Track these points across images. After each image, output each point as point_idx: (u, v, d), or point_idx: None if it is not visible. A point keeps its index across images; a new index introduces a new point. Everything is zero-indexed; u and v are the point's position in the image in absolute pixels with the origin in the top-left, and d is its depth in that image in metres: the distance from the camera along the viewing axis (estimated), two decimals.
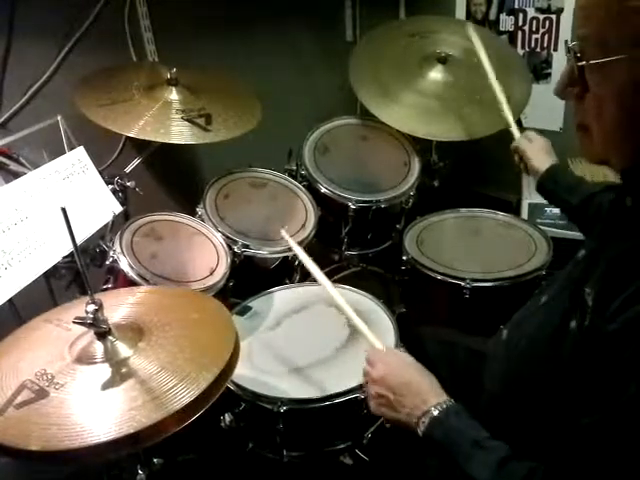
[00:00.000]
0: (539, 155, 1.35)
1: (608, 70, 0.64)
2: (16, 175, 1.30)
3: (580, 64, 0.66)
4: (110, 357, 0.88)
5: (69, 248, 1.17)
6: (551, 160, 1.33)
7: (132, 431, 0.76)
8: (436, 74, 1.79)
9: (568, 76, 0.70)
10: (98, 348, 0.89)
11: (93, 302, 0.87)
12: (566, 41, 0.68)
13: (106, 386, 0.84)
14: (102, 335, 0.89)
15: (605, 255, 0.70)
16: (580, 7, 0.67)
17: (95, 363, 0.88)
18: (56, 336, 0.95)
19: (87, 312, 0.87)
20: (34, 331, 0.98)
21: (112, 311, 0.98)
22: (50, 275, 1.28)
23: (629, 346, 0.61)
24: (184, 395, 0.81)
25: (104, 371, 0.86)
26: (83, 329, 0.91)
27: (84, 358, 0.88)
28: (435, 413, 0.82)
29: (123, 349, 0.90)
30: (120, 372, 0.86)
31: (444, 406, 0.83)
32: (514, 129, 1.47)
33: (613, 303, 0.63)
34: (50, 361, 0.89)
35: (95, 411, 0.80)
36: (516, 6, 1.98)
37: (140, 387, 0.83)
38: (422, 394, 0.86)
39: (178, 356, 0.89)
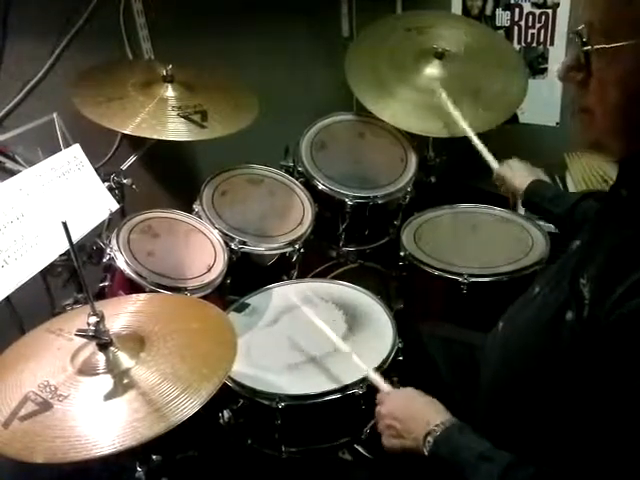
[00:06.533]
0: (520, 177, 1.39)
1: (613, 56, 0.64)
2: (11, 173, 1.30)
3: (586, 49, 0.66)
4: (112, 368, 0.88)
5: (66, 246, 1.16)
6: (533, 177, 1.35)
7: (135, 443, 0.76)
8: (432, 69, 1.79)
9: (573, 61, 0.69)
10: (100, 359, 0.89)
11: (95, 314, 0.87)
12: (570, 29, 0.68)
13: (109, 397, 0.84)
14: (104, 346, 0.89)
15: (601, 246, 0.70)
16: None
17: (97, 374, 0.88)
18: (58, 347, 0.95)
19: (89, 324, 0.87)
20: (36, 342, 0.98)
21: (112, 320, 0.97)
22: (47, 273, 1.28)
23: (626, 341, 0.61)
24: (186, 407, 0.81)
25: (106, 382, 0.86)
26: (85, 340, 0.90)
27: (86, 369, 0.88)
28: (439, 431, 0.84)
29: (125, 360, 0.90)
30: (122, 383, 0.86)
31: (447, 424, 0.84)
32: (490, 160, 1.49)
33: (611, 295, 0.62)
34: (53, 372, 0.89)
35: (98, 423, 0.80)
36: (512, 1, 1.98)
37: (142, 398, 0.83)
38: (425, 417, 0.88)
39: (179, 366, 0.89)
